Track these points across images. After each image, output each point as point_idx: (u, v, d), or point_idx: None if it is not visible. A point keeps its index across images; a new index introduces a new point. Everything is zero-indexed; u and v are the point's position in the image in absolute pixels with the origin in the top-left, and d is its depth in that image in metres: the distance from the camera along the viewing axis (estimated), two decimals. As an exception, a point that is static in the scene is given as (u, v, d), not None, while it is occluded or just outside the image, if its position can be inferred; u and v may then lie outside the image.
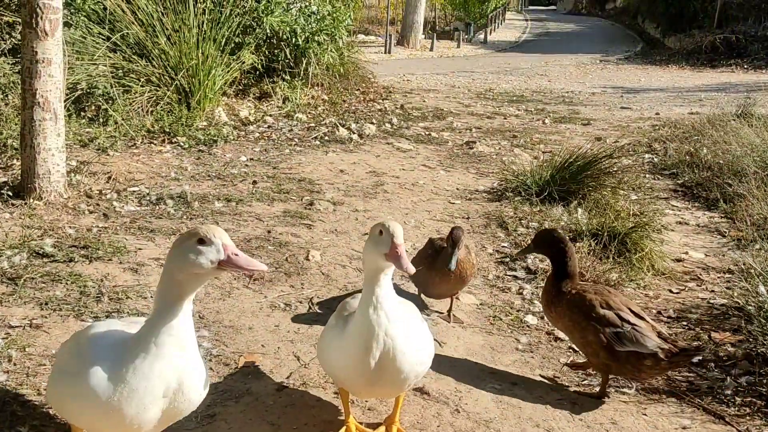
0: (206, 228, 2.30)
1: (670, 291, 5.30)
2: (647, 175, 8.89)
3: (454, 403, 3.39)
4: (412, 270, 2.69)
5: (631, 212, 6.67)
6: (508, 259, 5.54)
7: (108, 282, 4.35)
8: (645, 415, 3.41)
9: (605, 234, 5.71)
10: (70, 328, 3.76)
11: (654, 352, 3.27)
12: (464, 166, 8.81)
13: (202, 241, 2.26)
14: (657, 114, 14.38)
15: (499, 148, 10.09)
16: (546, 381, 3.75)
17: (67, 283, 4.25)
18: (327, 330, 3.07)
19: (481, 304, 4.72)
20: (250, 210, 6.11)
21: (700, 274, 5.68)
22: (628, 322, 3.35)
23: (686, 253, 6.15)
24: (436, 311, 4.55)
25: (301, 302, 4.43)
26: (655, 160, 9.70)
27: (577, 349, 3.95)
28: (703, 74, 24.03)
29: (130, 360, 2.29)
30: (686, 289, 5.35)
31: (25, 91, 5.71)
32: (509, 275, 5.26)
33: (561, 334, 4.32)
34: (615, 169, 7.59)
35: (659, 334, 3.36)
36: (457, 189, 7.67)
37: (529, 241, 4.23)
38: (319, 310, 4.34)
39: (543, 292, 3.76)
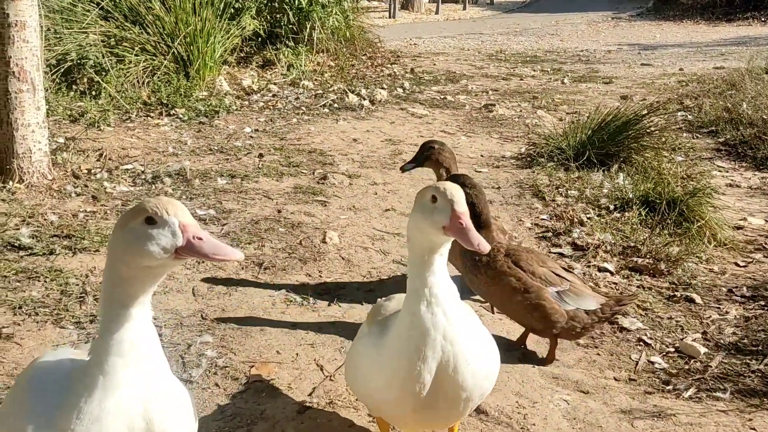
0: (157, 201, 1.64)
1: (737, 264, 4.64)
2: (684, 134, 8.17)
3: (519, 424, 2.75)
4: (487, 247, 2.01)
5: (679, 175, 6.00)
6: (550, 234, 4.89)
7: (93, 278, 3.72)
8: (754, 430, 2.78)
9: (662, 201, 5.03)
10: (47, 337, 3.14)
11: (596, 308, 3.07)
12: (486, 131, 8.11)
13: (152, 220, 1.62)
14: (681, 69, 13.59)
15: (521, 111, 9.37)
16: (621, 385, 3.12)
17: (45, 281, 3.63)
18: (358, 342, 2.37)
19: (527, 289, 4.08)
20: (256, 187, 5.45)
21: (765, 243, 5.02)
22: (566, 279, 3.10)
23: (744, 219, 5.47)
24: (474, 298, 3.91)
25: (320, 294, 3.79)
26: (690, 117, 8.96)
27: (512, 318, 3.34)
28: (720, 28, 23.04)
29: (74, 402, 1.66)
30: (753, 261, 4.68)
31: (-3, 59, 5.03)
32: (554, 252, 4.61)
33: (626, 323, 3.69)
34: (655, 128, 6.88)
35: (593, 289, 3.20)
36: (482, 156, 6.99)
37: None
38: (341, 304, 3.71)
39: (458, 255, 3.20)
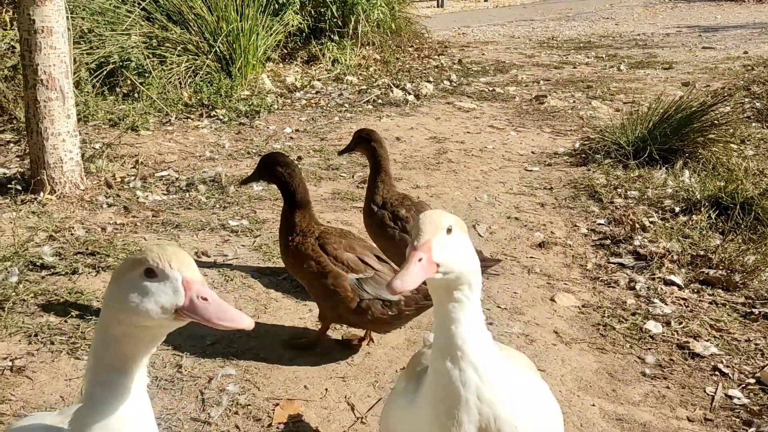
0: (160, 251, 1.41)
1: (822, 274, 4.15)
2: (753, 124, 7.56)
3: (578, 482, 2.40)
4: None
5: (751, 171, 5.48)
6: (608, 241, 4.47)
7: (116, 300, 3.49)
8: None
9: (735, 203, 4.55)
10: (61, 370, 2.92)
11: (398, 300, 2.92)
12: (537, 125, 7.68)
13: (152, 272, 1.39)
14: (745, 53, 12.80)
15: (574, 101, 8.88)
16: (696, 428, 2.73)
17: (65, 305, 3.42)
18: (392, 399, 2.02)
19: (583, 306, 3.69)
20: (292, 193, 5.18)
21: None
22: (372, 267, 3.00)
23: (829, 221, 4.93)
24: (524, 318, 3.55)
25: (355, 316, 3.49)
26: (758, 105, 8.31)
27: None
28: (787, 6, 21.83)
29: None
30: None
31: (25, 67, 4.88)
32: (613, 263, 4.20)
33: (699, 348, 3.28)
34: (723, 120, 6.34)
35: None
36: (533, 152, 6.57)
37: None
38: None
39: (279, 231, 3.22)
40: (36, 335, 3.17)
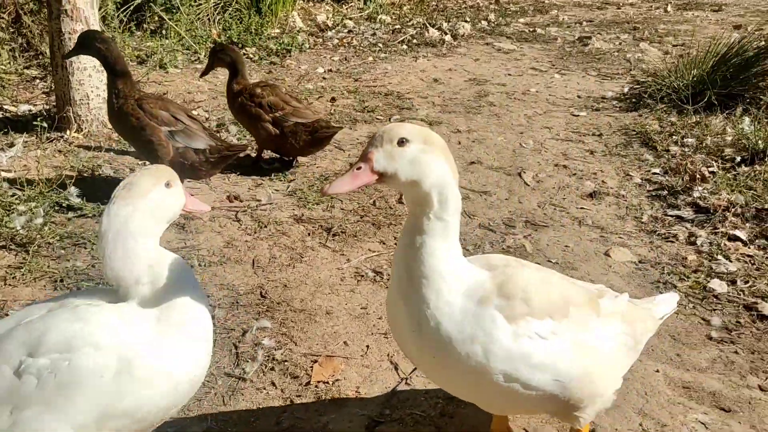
0: (168, 172, 1.92)
1: None
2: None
3: (647, 459, 2.20)
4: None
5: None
6: (665, 192, 4.18)
7: (145, 245, 3.32)
8: None
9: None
10: (87, 318, 2.77)
11: (204, 148, 3.54)
12: (581, 68, 7.28)
13: (168, 183, 1.89)
14: (801, -6, 12.08)
15: (620, 44, 8.42)
16: (767, 397, 2.50)
17: (92, 248, 3.26)
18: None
19: (640, 262, 3.44)
20: (327, 136, 4.94)
21: None
22: (182, 122, 3.57)
23: None
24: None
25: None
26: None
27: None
28: None
29: None
30: None
31: (49, -4, 4.64)
32: (670, 215, 3.92)
33: (766, 310, 3.03)
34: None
35: (210, 135, 3.62)
36: (579, 97, 6.22)
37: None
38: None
39: (107, 99, 3.74)
40: (62, 280, 3.01)
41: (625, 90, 6.24)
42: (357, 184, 1.69)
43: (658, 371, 2.60)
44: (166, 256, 1.84)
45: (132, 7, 7.33)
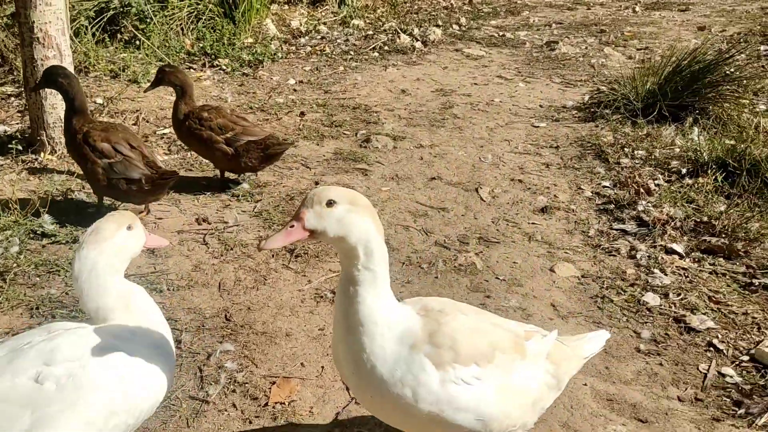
0: (129, 216, 2.25)
1: (827, 240, 4.11)
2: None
3: (565, 470, 2.44)
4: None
5: (762, 129, 5.37)
6: (612, 206, 4.43)
7: (116, 270, 3.52)
8: None
9: (742, 168, 4.48)
10: (62, 346, 2.97)
11: (139, 178, 3.83)
12: (547, 74, 7.52)
13: (130, 227, 2.22)
14: (766, -7, 12.38)
15: (586, 48, 8.68)
16: (687, 408, 2.75)
17: (65, 276, 3.46)
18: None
19: (583, 277, 3.69)
20: (295, 153, 5.14)
21: None
22: (122, 154, 3.88)
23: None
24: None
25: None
26: (774, 53, 8.09)
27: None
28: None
29: None
30: None
31: (21, 24, 4.79)
32: (615, 229, 4.17)
33: (695, 321, 3.29)
34: (738, 73, 6.17)
35: (147, 163, 3.91)
36: (541, 106, 6.46)
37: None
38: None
39: (63, 131, 4.15)
40: (37, 308, 3.21)
41: (586, 99, 6.49)
42: (290, 240, 1.90)
43: (585, 384, 2.85)
44: (131, 287, 2.21)
45: (105, 19, 7.47)
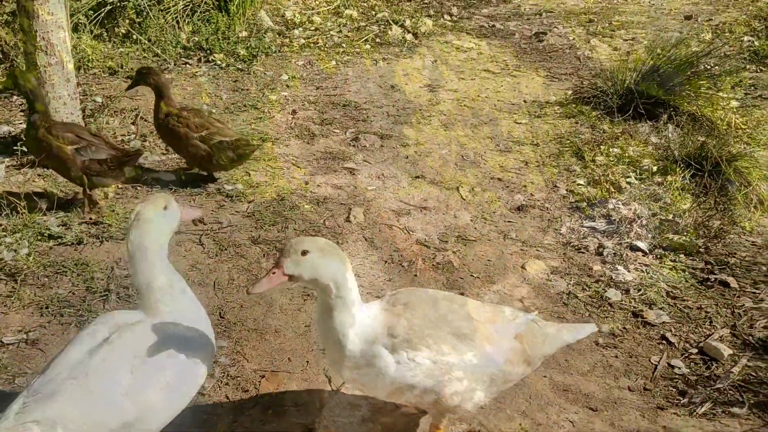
0: (165, 198, 2.61)
1: (785, 235, 4.39)
2: (748, 66, 7.59)
3: (518, 454, 2.75)
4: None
5: (732, 125, 5.64)
6: (584, 204, 4.70)
7: (118, 270, 3.81)
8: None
9: (705, 166, 4.75)
10: (70, 343, 3.26)
11: (107, 158, 4.29)
12: (533, 67, 7.74)
13: (166, 207, 2.57)
14: (756, -22, 12.52)
15: (573, 39, 8.88)
16: (635, 398, 3.05)
17: (72, 276, 3.75)
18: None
19: (552, 273, 3.98)
20: (286, 152, 5.40)
21: (821, 208, 4.71)
22: (85, 140, 4.32)
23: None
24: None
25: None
26: (756, 43, 8.29)
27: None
28: None
29: None
30: (804, 230, 4.42)
31: (25, 33, 5.03)
32: (586, 227, 4.45)
33: (651, 316, 3.58)
34: (717, 68, 6.41)
35: (112, 147, 4.37)
36: (524, 101, 6.70)
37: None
38: (359, 296, 3.70)
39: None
40: (47, 307, 3.50)
41: (569, 94, 6.73)
42: (273, 284, 2.35)
43: (545, 376, 3.15)
44: (173, 270, 2.58)
45: (103, 13, 7.68)
